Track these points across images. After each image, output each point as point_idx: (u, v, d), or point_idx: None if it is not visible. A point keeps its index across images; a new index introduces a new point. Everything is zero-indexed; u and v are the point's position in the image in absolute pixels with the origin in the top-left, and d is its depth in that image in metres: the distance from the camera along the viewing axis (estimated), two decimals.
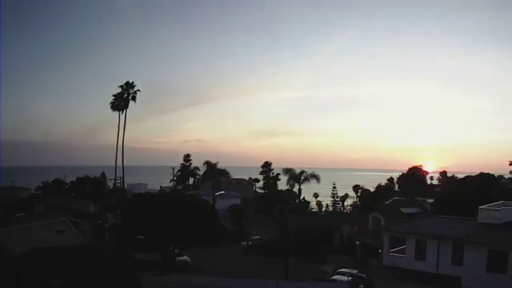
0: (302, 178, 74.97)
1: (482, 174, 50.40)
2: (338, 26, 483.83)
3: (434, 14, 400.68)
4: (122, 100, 61.36)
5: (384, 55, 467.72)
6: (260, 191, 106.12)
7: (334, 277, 30.95)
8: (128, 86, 61.78)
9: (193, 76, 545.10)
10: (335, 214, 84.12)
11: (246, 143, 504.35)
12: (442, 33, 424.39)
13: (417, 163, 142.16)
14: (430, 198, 54.97)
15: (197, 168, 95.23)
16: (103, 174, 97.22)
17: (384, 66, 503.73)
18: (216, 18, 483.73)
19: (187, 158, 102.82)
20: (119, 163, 62.32)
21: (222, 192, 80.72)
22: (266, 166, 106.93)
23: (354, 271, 31.97)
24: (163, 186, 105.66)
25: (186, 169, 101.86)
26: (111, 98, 61.80)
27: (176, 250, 40.04)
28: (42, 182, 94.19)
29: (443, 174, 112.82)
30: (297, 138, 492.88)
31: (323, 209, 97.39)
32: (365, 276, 31.33)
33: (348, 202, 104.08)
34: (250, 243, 52.30)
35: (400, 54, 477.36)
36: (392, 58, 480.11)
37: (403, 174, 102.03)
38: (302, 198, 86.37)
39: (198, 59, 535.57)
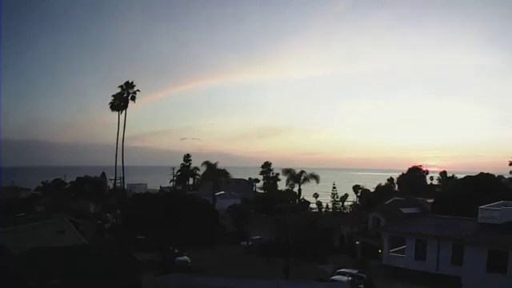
0: (302, 178, 75.10)
1: (481, 174, 50.35)
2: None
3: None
4: (122, 100, 61.59)
5: (384, 48, 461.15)
6: (260, 191, 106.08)
7: (333, 277, 30.96)
8: (127, 86, 62.00)
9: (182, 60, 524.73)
10: (335, 214, 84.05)
11: (245, 141, 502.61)
12: (446, 28, 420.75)
13: (417, 163, 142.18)
14: (430, 198, 54.93)
15: (196, 168, 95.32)
16: (103, 174, 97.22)
17: (385, 63, 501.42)
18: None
19: (187, 158, 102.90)
20: (119, 163, 62.54)
21: (222, 192, 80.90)
22: (266, 166, 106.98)
23: (354, 271, 31.97)
24: (163, 186, 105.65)
25: (186, 169, 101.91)
26: (111, 98, 62.14)
27: (176, 250, 40.08)
28: (42, 182, 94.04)
29: (443, 174, 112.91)
30: (296, 136, 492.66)
31: (323, 209, 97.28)
32: (365, 276, 31.35)
33: (348, 202, 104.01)
34: (249, 243, 52.32)
35: (400, 52, 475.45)
36: (393, 54, 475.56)
37: (403, 173, 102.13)
38: (301, 198, 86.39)
39: (185, 40, 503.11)
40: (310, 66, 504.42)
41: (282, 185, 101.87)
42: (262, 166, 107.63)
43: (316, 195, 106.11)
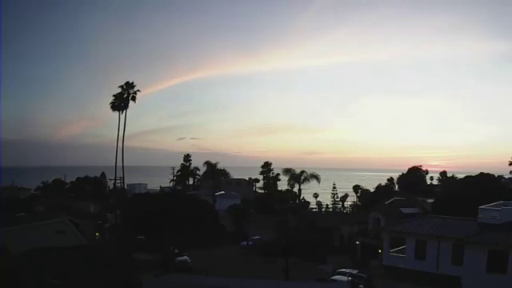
0: (302, 178, 75.18)
1: (481, 174, 50.43)
2: None
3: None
4: (122, 100, 61.51)
5: (385, 47, 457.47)
6: (260, 191, 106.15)
7: (333, 277, 30.99)
8: (128, 86, 61.82)
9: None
10: (335, 214, 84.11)
11: (244, 140, 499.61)
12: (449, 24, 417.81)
13: (417, 163, 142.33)
14: (430, 198, 55.01)
15: (196, 168, 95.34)
16: (103, 174, 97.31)
17: (385, 62, 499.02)
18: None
19: (187, 158, 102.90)
20: (119, 163, 62.44)
21: (222, 192, 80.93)
22: (266, 166, 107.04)
23: (354, 271, 32.00)
24: (163, 186, 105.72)
25: (186, 169, 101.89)
26: (111, 98, 61.99)
27: (176, 250, 40.10)
28: (42, 182, 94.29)
29: (443, 174, 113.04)
30: (296, 136, 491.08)
31: (323, 209, 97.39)
32: (365, 276, 31.37)
33: (348, 202, 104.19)
34: (250, 243, 52.32)
35: (401, 50, 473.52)
36: (394, 52, 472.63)
37: (403, 173, 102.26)
38: (301, 198, 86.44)
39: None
40: (310, 65, 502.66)
41: (282, 185, 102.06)
42: (262, 166, 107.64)
43: (316, 195, 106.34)
